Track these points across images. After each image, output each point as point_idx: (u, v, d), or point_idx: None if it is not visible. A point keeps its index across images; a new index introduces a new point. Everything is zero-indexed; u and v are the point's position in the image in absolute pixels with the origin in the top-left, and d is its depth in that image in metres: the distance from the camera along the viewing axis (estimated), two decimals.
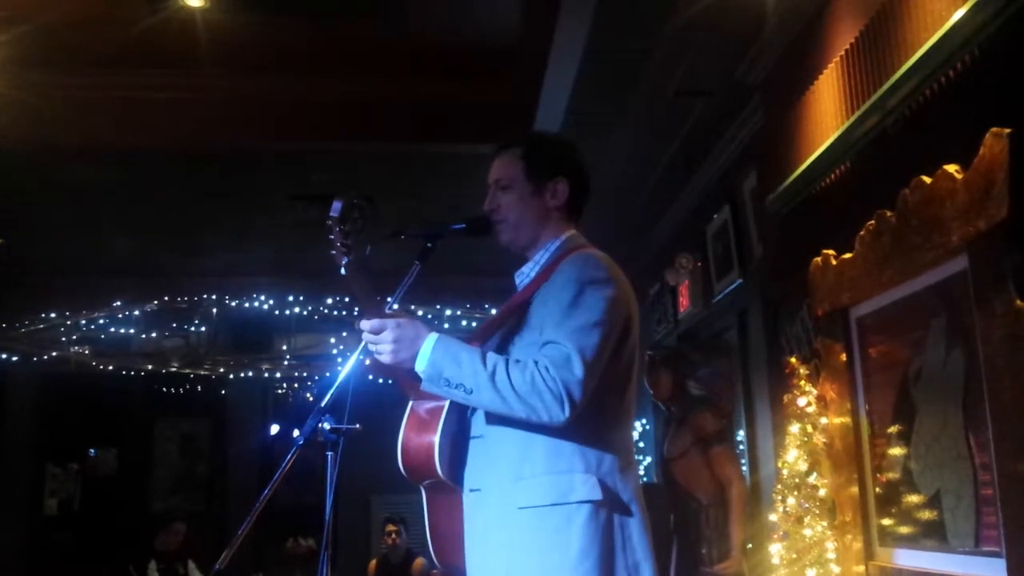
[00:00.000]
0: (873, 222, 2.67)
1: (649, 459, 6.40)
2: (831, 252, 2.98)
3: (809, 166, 3.11)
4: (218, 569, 1.78)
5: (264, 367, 8.02)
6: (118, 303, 7.38)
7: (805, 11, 3.25)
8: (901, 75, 2.46)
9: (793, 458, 3.04)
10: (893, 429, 2.74)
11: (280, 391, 8.92)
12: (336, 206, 1.68)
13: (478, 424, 1.95)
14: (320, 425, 1.82)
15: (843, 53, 2.91)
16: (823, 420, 3.01)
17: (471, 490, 1.94)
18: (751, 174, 4.48)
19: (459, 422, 1.96)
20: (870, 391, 2.89)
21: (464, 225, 2.05)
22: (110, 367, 7.73)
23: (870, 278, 2.73)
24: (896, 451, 2.72)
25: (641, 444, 6.55)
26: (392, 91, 5.00)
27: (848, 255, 2.86)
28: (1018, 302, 2.01)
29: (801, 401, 3.08)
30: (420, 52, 4.74)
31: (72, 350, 7.54)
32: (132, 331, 7.59)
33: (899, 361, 2.70)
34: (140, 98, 4.89)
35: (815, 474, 2.98)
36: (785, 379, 3.29)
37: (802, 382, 3.11)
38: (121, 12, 4.25)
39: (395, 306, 1.93)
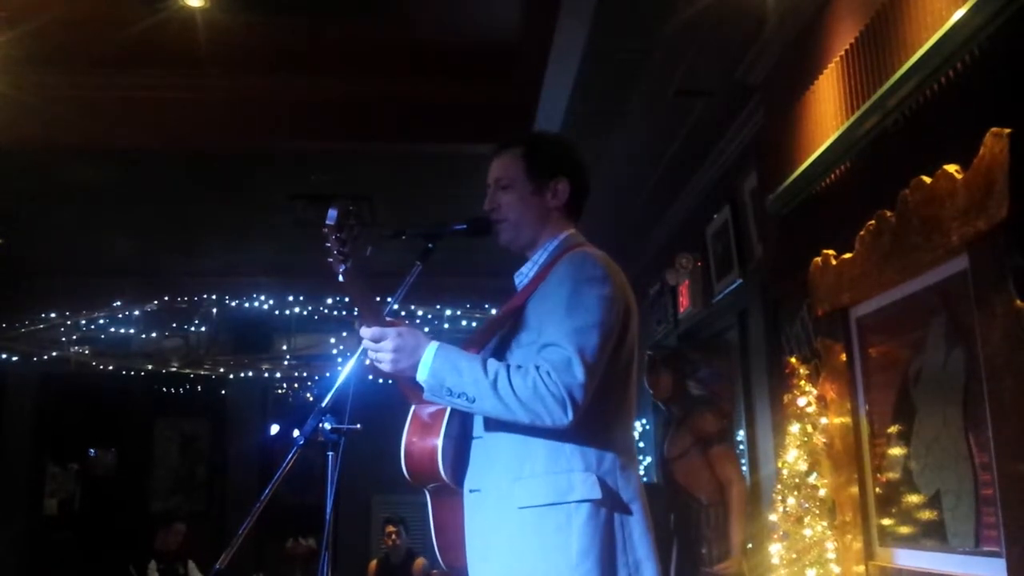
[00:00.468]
0: (873, 222, 2.67)
1: (649, 459, 6.39)
2: (831, 252, 2.98)
3: (809, 166, 3.10)
4: (218, 569, 1.78)
5: (264, 367, 8.02)
6: (118, 303, 7.38)
7: (805, 11, 3.25)
8: (901, 75, 2.45)
9: (793, 458, 3.04)
10: (893, 429, 2.74)
11: (280, 391, 8.92)
12: (332, 214, 1.67)
13: (478, 425, 1.95)
14: (320, 425, 1.82)
15: (843, 53, 2.91)
16: (823, 420, 3.01)
17: (471, 490, 1.95)
18: (751, 174, 4.48)
19: (461, 425, 1.97)
20: (870, 391, 2.89)
21: (465, 225, 2.05)
22: (110, 367, 7.73)
23: (870, 278, 2.73)
24: (896, 451, 2.72)
25: (641, 444, 6.55)
26: (392, 91, 5.00)
27: (848, 255, 2.86)
28: (1018, 302, 2.01)
29: (801, 401, 3.08)
30: (420, 52, 4.74)
31: (72, 350, 7.55)
32: (132, 331, 7.59)
33: (899, 361, 2.70)
34: (140, 98, 4.89)
35: (815, 474, 2.97)
36: (785, 379, 3.29)
37: (802, 382, 3.11)
38: (121, 12, 4.25)
39: (395, 306, 1.93)
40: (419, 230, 2.03)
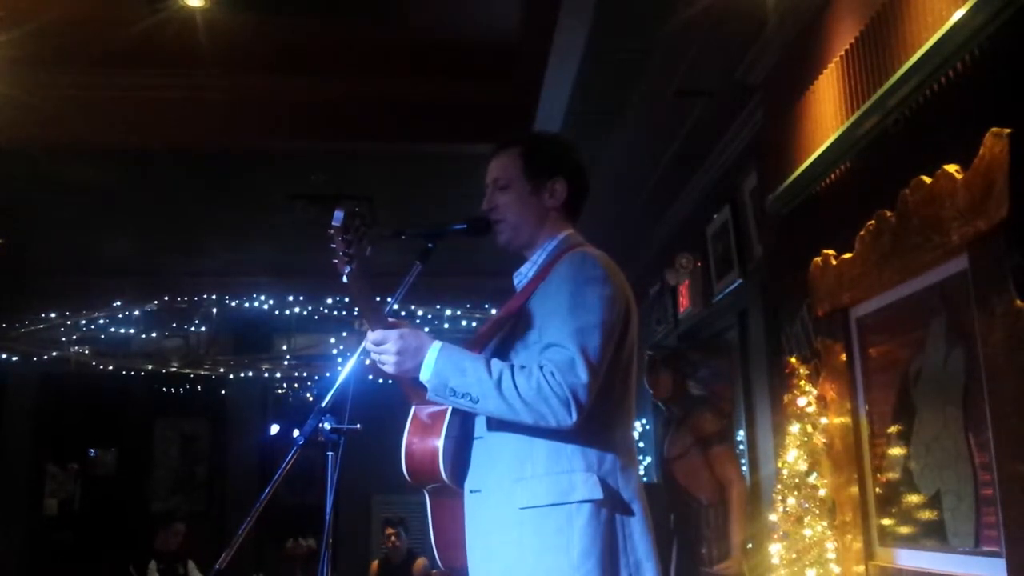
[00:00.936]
0: (873, 222, 2.67)
1: (649, 459, 6.40)
2: (831, 252, 2.98)
3: (809, 166, 3.10)
4: (218, 569, 1.78)
5: (264, 367, 8.03)
6: (118, 303, 7.39)
7: (805, 11, 3.25)
8: (901, 75, 2.45)
9: (793, 458, 3.04)
10: (893, 429, 2.73)
11: (280, 391, 8.93)
12: (338, 216, 1.66)
13: (479, 425, 1.95)
14: (320, 425, 1.82)
15: (843, 53, 2.91)
16: (823, 420, 3.01)
17: (472, 491, 1.94)
18: (751, 174, 4.48)
19: (462, 426, 1.96)
20: (870, 391, 2.89)
21: (464, 225, 2.05)
22: (110, 367, 7.74)
23: (870, 278, 2.73)
24: (896, 451, 2.72)
25: (641, 444, 6.55)
26: (392, 91, 5.00)
27: (848, 255, 2.86)
28: (1018, 302, 2.01)
29: (801, 401, 3.08)
30: (420, 52, 4.74)
31: (72, 350, 7.55)
32: (132, 331, 7.60)
33: (899, 361, 2.70)
34: (140, 98, 4.89)
35: (815, 474, 2.97)
36: (785, 379, 3.29)
37: (802, 382, 3.11)
38: (121, 12, 4.25)
39: (395, 306, 1.93)
40: (419, 230, 2.03)
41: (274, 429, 8.85)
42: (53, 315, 7.32)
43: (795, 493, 3.00)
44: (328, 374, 7.67)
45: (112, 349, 7.72)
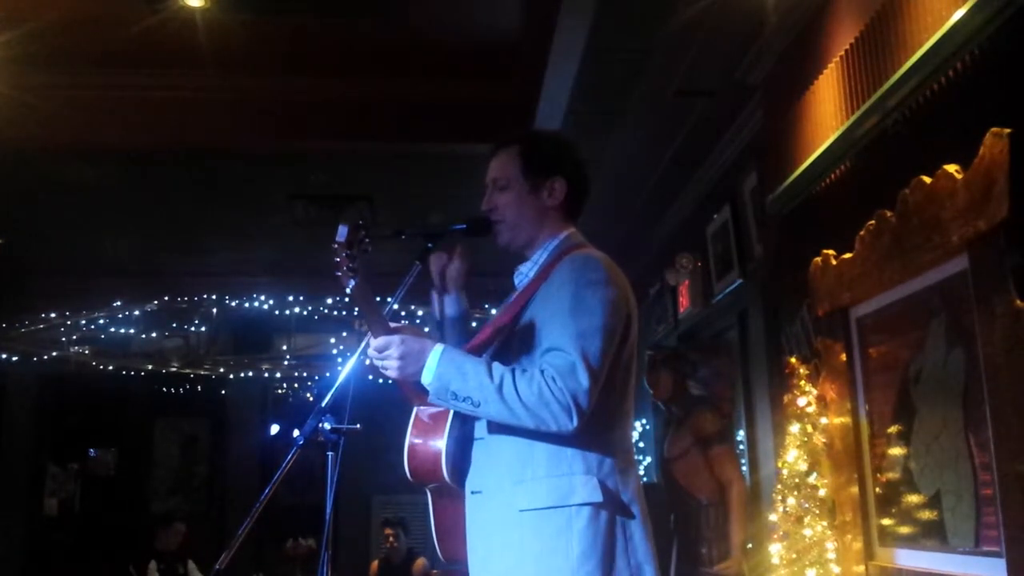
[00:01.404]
0: (873, 222, 2.67)
1: (649, 459, 6.39)
2: (831, 252, 2.98)
3: (809, 166, 3.10)
4: (218, 569, 1.78)
5: (264, 367, 8.03)
6: (118, 303, 7.38)
7: (805, 11, 3.25)
8: (901, 75, 2.45)
9: (793, 458, 3.04)
10: (893, 429, 2.73)
11: (280, 391, 8.93)
12: (341, 231, 1.66)
13: (480, 427, 1.95)
14: (320, 425, 1.82)
15: (843, 53, 2.91)
16: (823, 420, 3.01)
17: (472, 492, 1.94)
18: (751, 174, 4.47)
19: (463, 426, 1.96)
20: (870, 391, 2.89)
21: (464, 225, 2.05)
22: (110, 367, 7.74)
23: (870, 278, 2.73)
24: (896, 451, 2.72)
25: (641, 444, 6.55)
26: (392, 91, 5.00)
27: (848, 255, 2.86)
28: (1018, 302, 2.01)
29: (801, 401, 3.08)
30: (420, 52, 4.74)
31: (72, 350, 7.55)
32: (132, 331, 7.59)
33: (899, 361, 2.70)
34: (140, 98, 4.89)
35: (815, 474, 2.97)
36: (785, 379, 3.29)
37: (802, 382, 3.11)
38: (121, 12, 4.25)
39: (395, 306, 1.93)
40: (419, 230, 2.03)
41: (274, 429, 8.85)
42: (53, 315, 7.32)
43: (795, 493, 3.00)
44: (328, 374, 7.67)
45: (112, 349, 7.72)
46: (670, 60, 4.12)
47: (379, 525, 7.07)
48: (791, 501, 3.00)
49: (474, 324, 2.19)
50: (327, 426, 1.82)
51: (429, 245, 2.02)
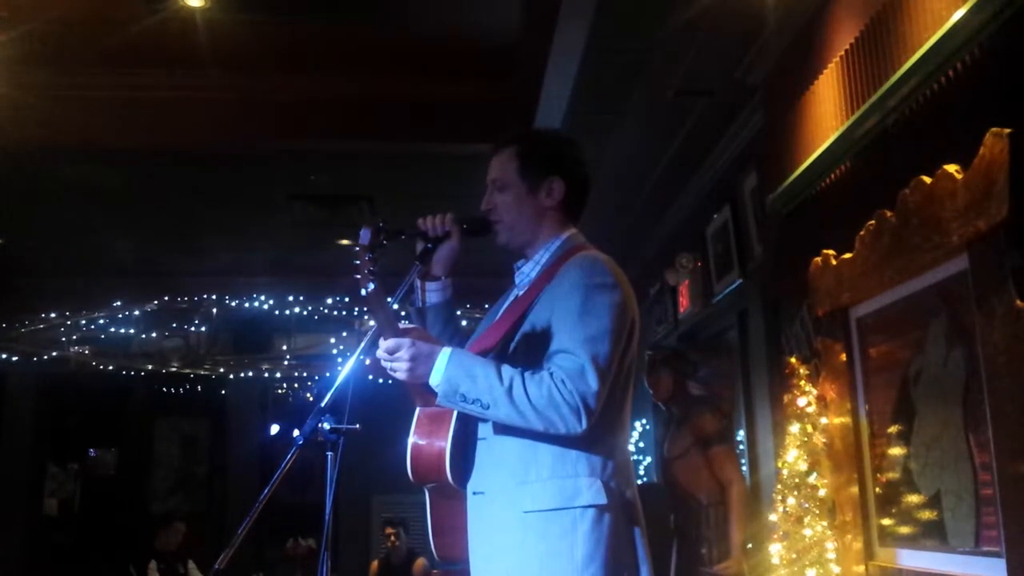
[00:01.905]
0: (873, 222, 2.67)
1: (649, 459, 6.39)
2: (831, 252, 2.98)
3: (809, 166, 3.10)
4: (218, 569, 1.77)
5: (264, 367, 8.03)
6: (118, 303, 7.39)
7: (805, 11, 3.25)
8: (901, 75, 2.46)
9: (793, 458, 3.04)
10: (893, 429, 2.73)
11: (280, 391, 8.94)
12: (364, 234, 1.67)
13: (484, 427, 1.94)
14: (320, 425, 1.81)
15: (843, 53, 2.91)
16: (823, 420, 3.01)
17: (475, 492, 1.94)
18: (751, 174, 4.47)
19: (466, 426, 1.96)
20: (870, 391, 2.89)
21: (464, 225, 2.05)
22: (110, 367, 7.74)
23: (870, 278, 2.73)
24: (896, 451, 2.72)
25: (641, 444, 6.55)
26: (392, 91, 5.00)
27: (848, 255, 2.86)
28: (1018, 302, 2.01)
29: (801, 401, 3.08)
30: (420, 52, 4.74)
31: (72, 350, 7.55)
32: (132, 331, 7.60)
33: (899, 361, 2.70)
34: (140, 98, 4.89)
35: (815, 474, 2.97)
36: (785, 379, 3.29)
37: (802, 382, 3.11)
38: (121, 12, 4.25)
39: (395, 306, 1.92)
40: (419, 230, 2.03)
41: (274, 429, 8.86)
42: (53, 315, 7.32)
43: (795, 493, 3.00)
44: (328, 374, 7.67)
45: (112, 349, 7.73)
46: (670, 60, 4.12)
47: (379, 525, 7.08)
48: (791, 501, 3.00)
49: (464, 323, 2.19)
50: (327, 426, 1.82)
51: (429, 245, 2.02)
